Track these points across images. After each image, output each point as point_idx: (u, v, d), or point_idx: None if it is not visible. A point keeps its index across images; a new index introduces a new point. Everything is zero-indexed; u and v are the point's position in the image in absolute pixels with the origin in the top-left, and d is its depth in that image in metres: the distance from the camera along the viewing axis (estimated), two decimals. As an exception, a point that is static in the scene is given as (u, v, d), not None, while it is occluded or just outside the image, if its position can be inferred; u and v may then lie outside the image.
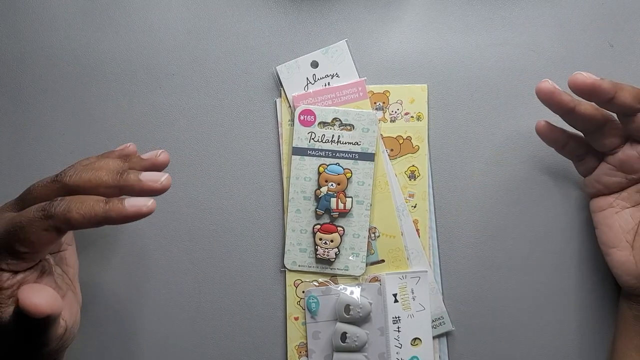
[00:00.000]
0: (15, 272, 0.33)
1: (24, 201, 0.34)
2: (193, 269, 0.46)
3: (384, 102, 0.46)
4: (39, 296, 0.30)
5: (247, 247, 0.46)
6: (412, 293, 0.44)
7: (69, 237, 0.40)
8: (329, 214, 0.45)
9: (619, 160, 0.39)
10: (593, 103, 0.38)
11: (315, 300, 0.44)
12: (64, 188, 0.33)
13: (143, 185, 0.33)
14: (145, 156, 0.37)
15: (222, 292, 0.45)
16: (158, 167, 0.37)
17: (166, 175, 0.34)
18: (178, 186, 0.46)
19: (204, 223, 0.46)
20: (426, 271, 0.45)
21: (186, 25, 0.47)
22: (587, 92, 0.37)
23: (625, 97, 0.36)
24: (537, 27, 0.47)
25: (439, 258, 0.45)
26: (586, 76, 0.36)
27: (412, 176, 0.46)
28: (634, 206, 0.40)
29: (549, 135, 0.42)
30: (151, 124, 0.46)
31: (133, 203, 0.32)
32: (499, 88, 0.46)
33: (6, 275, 0.32)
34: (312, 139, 0.45)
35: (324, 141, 0.45)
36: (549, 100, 0.39)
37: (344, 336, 0.43)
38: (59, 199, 0.32)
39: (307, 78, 0.46)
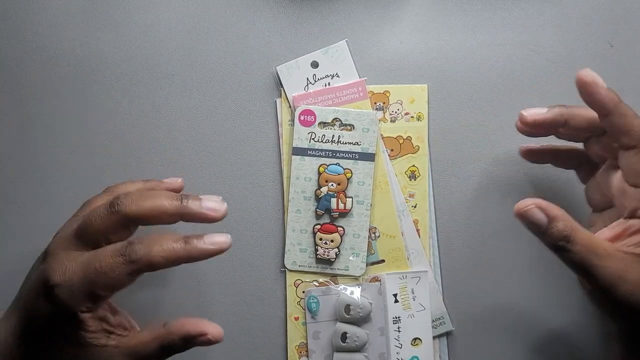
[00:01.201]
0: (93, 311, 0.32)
1: (86, 235, 0.33)
2: (193, 268, 0.45)
3: (384, 102, 0.46)
4: (210, 325, 0.33)
5: (247, 247, 0.46)
6: (413, 293, 0.44)
7: None
8: (329, 214, 0.45)
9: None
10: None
11: (316, 300, 0.44)
12: (125, 219, 0.32)
13: (204, 214, 0.33)
14: (164, 181, 0.38)
15: (222, 292, 0.45)
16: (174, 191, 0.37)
17: (225, 205, 0.34)
18: (178, 186, 0.46)
19: (204, 223, 0.46)
20: (426, 271, 0.45)
21: (186, 25, 0.47)
22: (536, 129, 0.38)
23: (578, 123, 0.37)
24: (537, 27, 0.47)
25: (439, 258, 0.45)
26: (528, 115, 0.38)
27: (413, 176, 0.46)
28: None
29: (535, 157, 0.42)
30: (151, 124, 0.46)
31: (214, 240, 0.32)
32: (499, 88, 0.46)
33: (87, 315, 0.32)
34: (312, 139, 0.45)
35: (324, 141, 0.45)
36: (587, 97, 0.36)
37: (344, 336, 0.43)
38: (136, 241, 0.31)
39: (307, 78, 0.46)
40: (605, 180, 0.38)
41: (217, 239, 0.32)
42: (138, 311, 0.45)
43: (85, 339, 0.32)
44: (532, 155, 0.43)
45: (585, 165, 0.41)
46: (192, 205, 0.33)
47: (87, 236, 0.33)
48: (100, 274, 0.31)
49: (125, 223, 0.33)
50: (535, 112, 0.37)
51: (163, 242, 0.31)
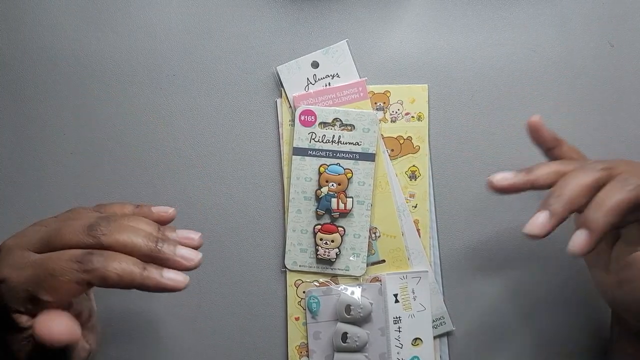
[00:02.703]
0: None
1: (52, 245, 0.32)
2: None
3: (384, 102, 0.46)
4: (56, 325, 0.29)
5: (248, 248, 0.46)
6: (413, 293, 0.44)
7: None
8: (329, 214, 0.45)
9: None
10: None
11: (316, 301, 0.44)
12: (97, 245, 0.31)
13: (177, 261, 0.33)
14: (155, 209, 0.37)
15: (223, 292, 0.45)
16: (161, 222, 0.36)
17: (200, 255, 0.33)
18: (178, 186, 0.46)
19: (205, 223, 0.46)
20: (427, 271, 0.45)
21: (186, 25, 0.47)
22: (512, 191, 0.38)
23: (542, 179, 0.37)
24: (537, 27, 0.47)
25: (440, 258, 0.45)
26: (500, 179, 0.38)
27: (413, 176, 0.46)
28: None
29: (539, 134, 0.41)
30: (151, 124, 0.46)
31: (171, 277, 0.31)
32: (500, 88, 0.46)
33: (24, 317, 0.31)
34: (313, 139, 0.45)
35: (324, 141, 0.45)
36: (535, 134, 0.40)
37: (344, 336, 0.43)
38: (97, 252, 0.31)
39: (307, 78, 0.46)
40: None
41: (176, 277, 0.32)
42: (138, 311, 0.46)
43: (17, 338, 0.31)
44: (539, 129, 0.42)
45: None
46: (167, 250, 0.32)
47: (52, 247, 0.32)
48: (49, 275, 0.30)
49: (96, 247, 0.32)
50: (503, 177, 0.38)
51: (123, 260, 0.31)
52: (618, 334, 0.41)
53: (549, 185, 0.37)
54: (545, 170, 0.37)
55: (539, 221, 0.35)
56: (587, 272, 0.43)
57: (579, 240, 0.34)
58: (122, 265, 0.30)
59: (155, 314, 0.45)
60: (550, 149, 0.40)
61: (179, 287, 0.31)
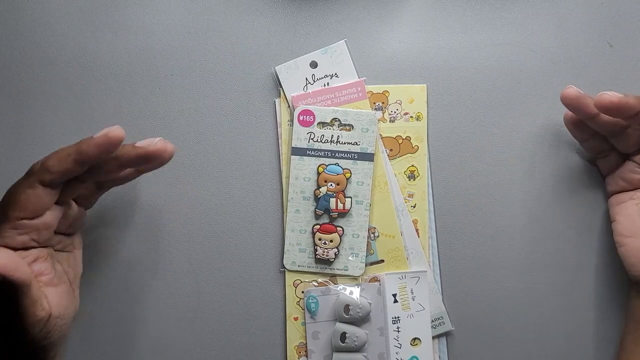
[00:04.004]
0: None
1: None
2: (192, 269, 0.46)
3: (383, 102, 0.46)
4: None
5: (247, 248, 0.46)
6: (412, 293, 0.44)
7: (76, 240, 0.40)
8: (328, 214, 0.45)
9: None
10: None
11: (315, 301, 0.44)
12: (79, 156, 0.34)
13: (138, 150, 0.34)
14: (139, 144, 0.35)
15: (222, 292, 0.45)
16: (157, 159, 0.35)
17: (159, 138, 0.34)
18: (177, 186, 0.46)
19: (203, 223, 0.46)
20: (426, 271, 0.45)
21: (185, 25, 0.47)
22: (614, 110, 0.38)
23: None
24: (537, 27, 0.47)
25: (439, 258, 0.45)
26: (611, 95, 0.37)
27: (412, 176, 0.46)
28: None
29: (575, 104, 0.41)
30: (150, 124, 0.46)
31: (102, 132, 0.33)
32: (499, 88, 0.46)
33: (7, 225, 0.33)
34: (312, 139, 0.45)
35: (323, 141, 0.45)
36: (574, 105, 0.40)
37: (343, 336, 0.43)
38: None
39: (306, 78, 0.46)
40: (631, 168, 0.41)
41: (102, 130, 0.33)
42: (136, 311, 0.46)
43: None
44: (576, 125, 0.43)
45: (613, 155, 0.42)
46: (125, 147, 0.34)
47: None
48: (8, 194, 0.34)
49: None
50: (617, 94, 0.38)
51: (59, 149, 0.34)
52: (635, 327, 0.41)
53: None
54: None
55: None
56: (587, 271, 0.43)
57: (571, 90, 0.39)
58: (58, 151, 0.33)
59: (154, 314, 0.45)
60: (594, 117, 0.40)
61: (110, 136, 0.32)
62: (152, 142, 0.34)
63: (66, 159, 0.33)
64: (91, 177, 0.35)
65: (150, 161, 0.35)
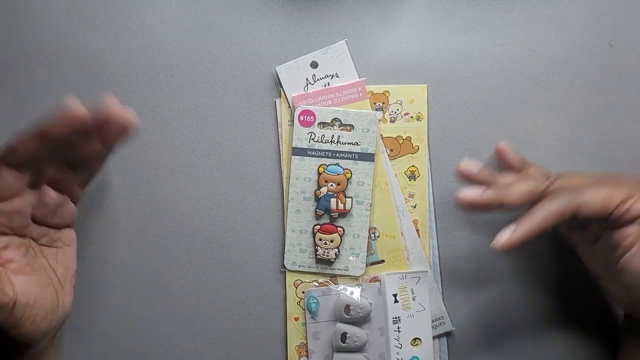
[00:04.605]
0: None
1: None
2: (192, 269, 0.46)
3: (383, 103, 0.46)
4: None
5: (247, 248, 0.46)
6: (412, 293, 0.44)
7: (66, 236, 0.39)
8: (328, 214, 0.45)
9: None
10: None
11: (315, 301, 0.44)
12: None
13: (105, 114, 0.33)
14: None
15: (222, 292, 0.45)
16: (115, 123, 0.34)
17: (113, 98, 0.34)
18: (177, 186, 0.46)
19: (204, 223, 0.46)
20: (426, 271, 0.45)
21: (185, 25, 0.47)
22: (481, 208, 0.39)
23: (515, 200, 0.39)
24: (537, 27, 0.47)
25: (439, 258, 0.45)
26: (470, 193, 0.39)
27: (412, 176, 0.46)
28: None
29: (505, 158, 0.43)
30: (150, 124, 0.46)
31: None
32: (499, 88, 0.46)
33: None
34: (312, 139, 0.45)
35: (323, 141, 0.45)
36: (501, 158, 0.43)
37: (344, 336, 0.43)
38: None
39: (306, 78, 0.46)
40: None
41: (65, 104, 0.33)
42: (136, 311, 0.46)
43: None
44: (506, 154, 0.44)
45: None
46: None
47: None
48: None
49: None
50: (474, 192, 0.39)
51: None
52: (629, 341, 0.41)
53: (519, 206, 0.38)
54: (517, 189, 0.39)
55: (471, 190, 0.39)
56: (586, 269, 0.43)
57: (502, 236, 0.37)
58: (21, 134, 0.33)
59: (155, 314, 0.45)
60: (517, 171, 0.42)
61: (69, 111, 0.32)
62: (107, 105, 0.34)
63: (29, 138, 0.33)
64: (59, 156, 0.35)
65: (109, 125, 0.34)
